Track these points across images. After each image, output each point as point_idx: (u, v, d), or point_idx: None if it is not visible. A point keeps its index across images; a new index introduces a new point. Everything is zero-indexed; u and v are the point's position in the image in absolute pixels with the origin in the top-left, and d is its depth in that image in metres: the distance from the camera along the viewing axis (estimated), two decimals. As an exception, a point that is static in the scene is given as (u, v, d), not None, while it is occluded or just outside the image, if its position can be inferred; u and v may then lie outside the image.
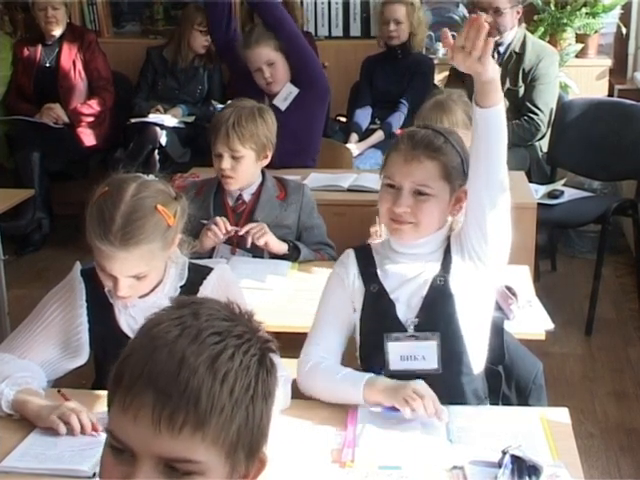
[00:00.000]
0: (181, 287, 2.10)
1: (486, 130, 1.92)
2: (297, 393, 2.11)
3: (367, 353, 2.14)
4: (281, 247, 2.95)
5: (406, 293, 2.09)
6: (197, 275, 2.12)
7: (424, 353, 2.07)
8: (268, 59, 3.94)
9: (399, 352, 2.08)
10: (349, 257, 2.17)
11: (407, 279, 2.09)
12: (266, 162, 3.06)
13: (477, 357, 2.12)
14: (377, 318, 2.11)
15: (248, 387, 1.07)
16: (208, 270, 2.13)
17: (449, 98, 2.99)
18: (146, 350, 1.06)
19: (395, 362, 2.08)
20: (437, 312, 2.07)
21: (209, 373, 1.04)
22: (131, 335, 2.06)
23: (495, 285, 2.15)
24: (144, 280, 2.01)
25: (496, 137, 1.94)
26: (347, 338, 2.17)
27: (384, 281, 2.11)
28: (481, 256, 2.04)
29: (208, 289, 2.09)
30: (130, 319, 2.10)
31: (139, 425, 1.02)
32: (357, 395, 1.98)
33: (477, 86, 1.87)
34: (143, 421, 1.02)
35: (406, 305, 2.09)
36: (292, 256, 2.97)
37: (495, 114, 1.91)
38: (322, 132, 4.32)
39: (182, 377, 1.02)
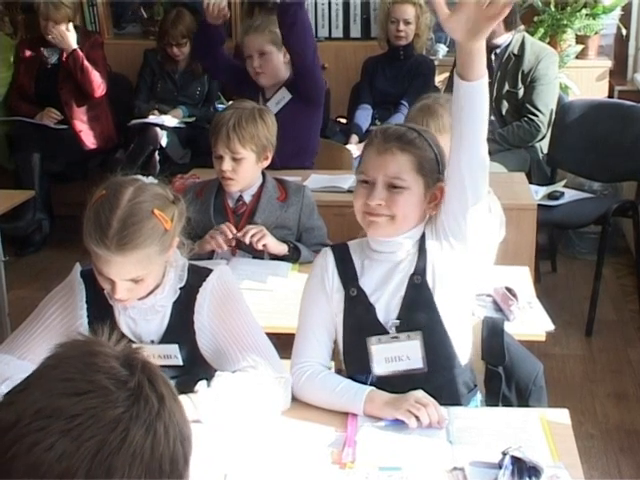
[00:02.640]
0: (180, 289, 2.10)
1: (471, 104, 1.88)
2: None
3: (351, 357, 2.13)
4: (281, 248, 2.96)
5: (385, 295, 2.09)
6: (197, 277, 2.11)
7: (408, 353, 2.07)
8: (260, 49, 3.92)
9: (383, 354, 2.08)
10: (327, 257, 2.16)
11: (385, 280, 2.09)
12: (267, 163, 3.06)
13: (463, 348, 2.12)
14: (358, 322, 2.10)
15: None
16: (208, 272, 2.12)
17: (436, 102, 2.95)
18: None
19: (380, 364, 2.08)
20: (417, 311, 2.07)
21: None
22: (130, 336, 2.07)
23: (474, 270, 2.14)
24: (142, 284, 2.00)
25: (481, 111, 1.89)
26: (333, 341, 2.17)
27: (363, 284, 2.10)
28: (457, 235, 2.02)
29: (208, 290, 2.08)
30: (130, 320, 2.10)
31: None
32: (357, 410, 1.98)
33: (464, 57, 1.84)
34: None
35: (386, 307, 2.09)
36: (292, 257, 2.97)
37: (481, 87, 1.87)
38: (319, 134, 4.29)
39: None
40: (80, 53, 5.12)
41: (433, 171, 2.06)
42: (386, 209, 2.04)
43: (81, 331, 2.07)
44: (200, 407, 1.90)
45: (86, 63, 5.12)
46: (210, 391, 1.94)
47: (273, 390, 2.00)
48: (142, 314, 2.08)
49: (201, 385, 1.95)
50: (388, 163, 2.03)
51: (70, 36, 5.11)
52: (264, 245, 2.91)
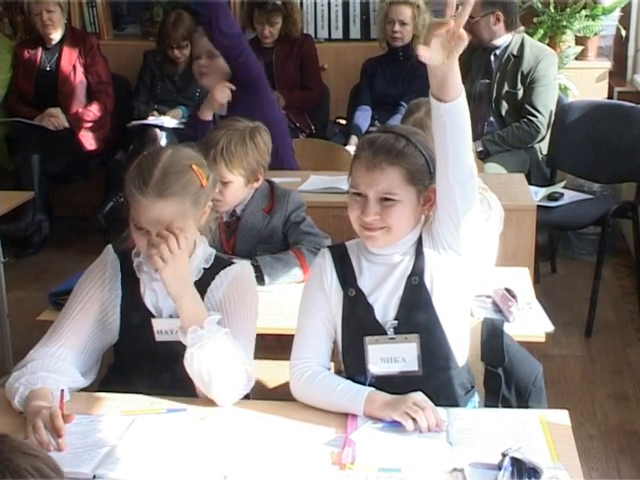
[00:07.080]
0: (204, 269, 2.19)
1: (452, 123, 1.86)
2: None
3: (350, 357, 2.14)
4: None
5: (383, 295, 2.09)
6: (221, 262, 2.22)
7: (404, 355, 2.08)
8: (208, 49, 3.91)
9: (379, 354, 2.08)
10: (325, 258, 2.16)
11: (383, 281, 2.10)
12: (257, 185, 2.96)
13: (460, 349, 2.13)
14: (356, 322, 2.11)
15: None
16: (231, 262, 2.24)
17: None
18: None
19: (375, 364, 2.09)
20: (415, 311, 2.07)
21: None
22: (152, 310, 2.14)
23: (472, 273, 2.13)
24: None
25: (462, 126, 1.88)
26: (332, 341, 2.17)
27: (361, 284, 2.11)
28: (453, 246, 2.03)
29: (229, 276, 2.17)
30: (152, 294, 2.19)
31: None
32: (358, 411, 1.98)
33: (441, 80, 1.81)
34: None
35: (384, 307, 2.09)
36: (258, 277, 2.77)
37: (461, 104, 1.85)
38: (279, 130, 3.85)
39: None
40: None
41: (424, 177, 2.04)
42: (381, 222, 2.04)
43: (116, 304, 2.20)
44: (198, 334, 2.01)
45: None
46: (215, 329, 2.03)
47: (244, 375, 2.06)
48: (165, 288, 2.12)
49: (211, 320, 2.04)
50: (378, 179, 2.02)
51: (64, 118, 5.22)
52: None
